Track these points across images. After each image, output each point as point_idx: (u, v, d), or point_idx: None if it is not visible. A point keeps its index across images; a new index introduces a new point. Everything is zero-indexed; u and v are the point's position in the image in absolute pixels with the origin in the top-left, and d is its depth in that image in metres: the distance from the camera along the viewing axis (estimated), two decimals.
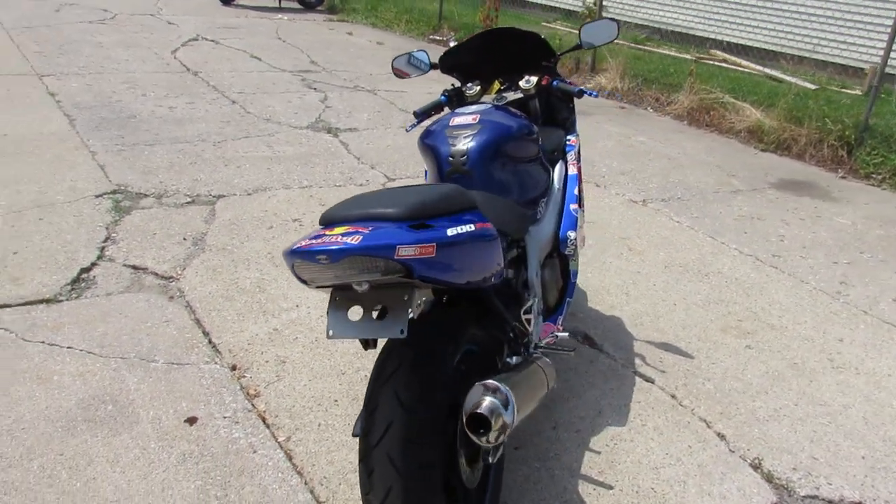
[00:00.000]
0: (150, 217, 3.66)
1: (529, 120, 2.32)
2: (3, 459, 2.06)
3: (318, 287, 1.48)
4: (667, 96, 7.03)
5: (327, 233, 1.38)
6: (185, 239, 3.47)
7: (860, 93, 7.36)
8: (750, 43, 8.97)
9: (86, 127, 4.86)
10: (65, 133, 4.71)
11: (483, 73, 2.66)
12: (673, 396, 2.60)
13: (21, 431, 2.17)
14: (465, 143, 2.12)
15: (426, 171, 2.43)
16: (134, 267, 3.18)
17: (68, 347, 2.58)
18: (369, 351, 1.66)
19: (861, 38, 8.02)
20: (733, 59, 8.68)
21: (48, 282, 2.98)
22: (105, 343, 2.63)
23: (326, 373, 2.58)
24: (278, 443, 2.23)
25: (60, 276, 3.04)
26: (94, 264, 3.16)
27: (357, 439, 1.56)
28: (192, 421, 2.28)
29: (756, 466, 2.29)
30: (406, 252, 1.34)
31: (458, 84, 2.70)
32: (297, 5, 11.48)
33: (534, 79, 2.55)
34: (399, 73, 2.80)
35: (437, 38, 9.48)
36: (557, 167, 2.51)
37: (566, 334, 2.19)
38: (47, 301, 2.85)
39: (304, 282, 1.46)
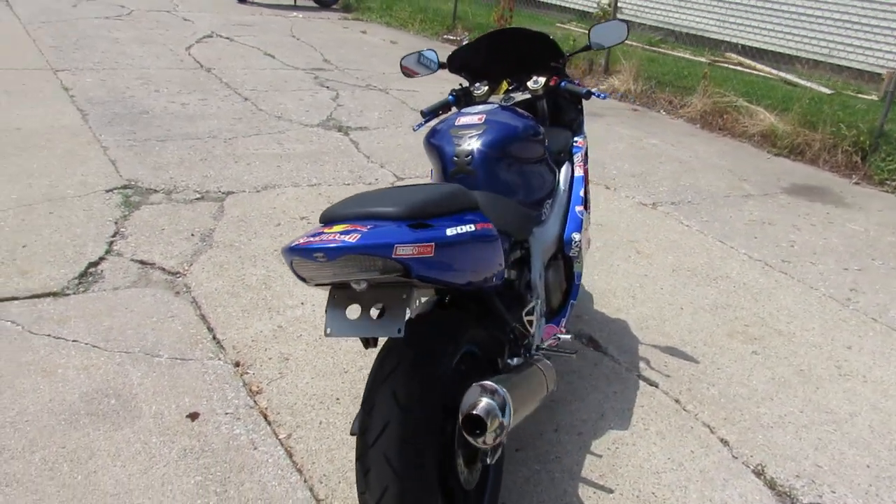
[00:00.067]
0: (159, 212, 3.68)
1: (536, 121, 2.30)
2: (6, 451, 2.08)
3: (316, 285, 1.48)
4: (680, 99, 6.99)
5: (326, 231, 1.38)
6: (192, 235, 3.48)
7: (876, 98, 7.28)
8: (765, 46, 8.91)
9: (98, 122, 4.90)
10: (77, 128, 4.75)
11: (491, 73, 2.65)
12: (677, 401, 2.58)
13: (24, 423, 2.19)
14: (469, 144, 2.12)
15: (432, 171, 2.42)
16: (141, 262, 3.20)
17: (74, 341, 2.60)
18: (372, 349, 1.66)
19: (878, 42, 7.94)
20: (748, 62, 8.62)
21: (56, 275, 3.00)
22: (110, 337, 2.65)
23: (329, 371, 2.58)
24: (279, 440, 2.23)
25: (68, 269, 3.06)
26: (101, 258, 3.18)
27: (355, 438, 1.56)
28: (193, 416, 2.29)
29: (759, 473, 2.27)
30: (404, 251, 1.34)
31: (466, 84, 2.69)
32: (312, 3, 11.51)
33: (542, 79, 2.54)
34: (407, 72, 2.80)
35: (451, 37, 9.47)
36: (564, 169, 2.50)
37: (569, 336, 2.18)
38: (54, 294, 2.87)
39: (302, 279, 1.46)
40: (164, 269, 3.16)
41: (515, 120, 2.20)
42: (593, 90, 2.48)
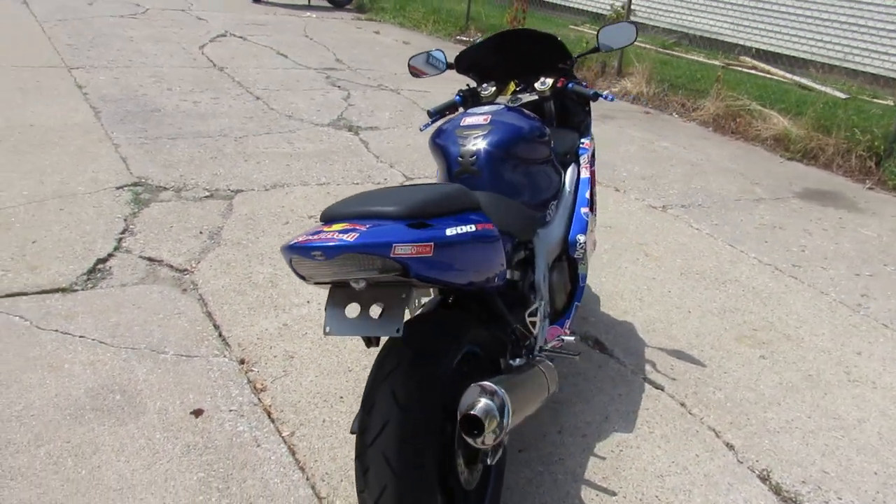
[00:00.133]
0: (168, 210, 3.70)
1: (542, 122, 2.30)
2: (12, 445, 2.09)
3: (316, 283, 1.48)
4: (693, 102, 6.95)
5: (325, 229, 1.38)
6: (201, 232, 3.50)
7: (892, 103, 7.21)
8: (779, 50, 8.84)
9: (111, 119, 4.94)
10: (90, 125, 4.79)
11: (499, 73, 2.65)
12: (682, 405, 2.56)
13: (30, 418, 2.21)
14: (474, 144, 2.12)
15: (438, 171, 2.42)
16: (149, 259, 3.22)
17: (81, 336, 2.62)
18: (374, 349, 1.66)
19: (894, 46, 7.86)
20: (762, 66, 8.56)
21: (65, 271, 3.02)
22: (117, 333, 2.66)
23: (333, 369, 2.59)
24: (282, 437, 2.24)
25: (77, 265, 3.08)
26: (110, 255, 3.20)
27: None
28: (198, 413, 2.30)
29: (764, 478, 2.25)
30: (402, 250, 1.34)
31: (473, 84, 2.69)
32: (326, 3, 11.55)
33: (549, 81, 2.53)
34: (415, 72, 2.80)
35: (464, 38, 9.47)
36: (569, 170, 2.49)
37: (572, 338, 2.17)
38: (63, 290, 2.90)
39: (302, 277, 1.46)
40: (171, 267, 3.17)
41: (521, 121, 2.19)
42: (600, 92, 2.47)
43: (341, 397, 2.44)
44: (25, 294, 2.84)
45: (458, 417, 1.52)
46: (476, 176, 2.10)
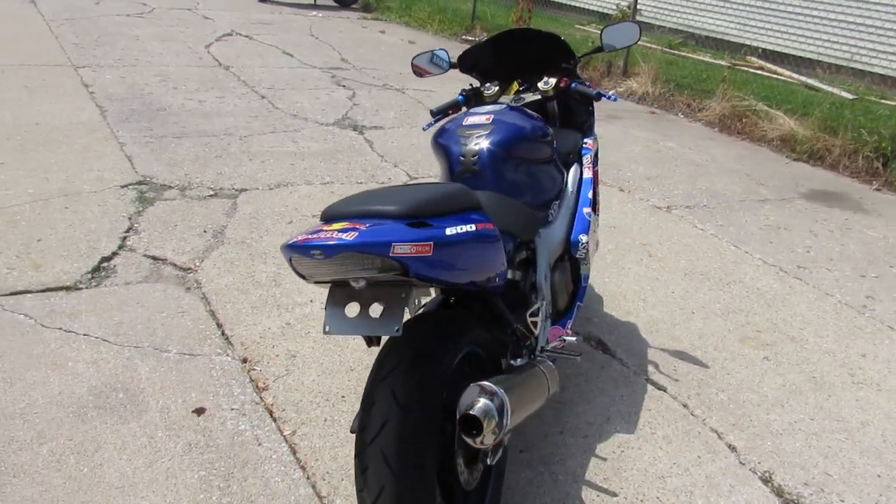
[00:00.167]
0: (172, 209, 3.71)
1: (545, 122, 2.29)
2: (15, 442, 2.10)
3: (316, 282, 1.48)
4: (699, 102, 6.93)
5: (325, 228, 1.38)
6: (205, 231, 3.51)
7: None
8: (786, 50, 8.81)
9: (116, 118, 4.95)
10: (95, 124, 4.80)
11: (502, 73, 2.65)
12: (685, 406, 2.56)
13: (33, 415, 2.21)
14: (476, 143, 2.11)
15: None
16: (153, 257, 3.23)
17: (84, 335, 2.63)
18: (375, 348, 1.66)
19: None
20: (769, 66, 8.52)
21: (69, 269, 3.03)
22: (120, 331, 2.67)
23: (336, 368, 2.59)
24: (283, 436, 2.24)
25: (81, 264, 3.09)
26: (114, 253, 3.21)
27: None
28: (199, 411, 2.30)
29: (766, 480, 2.24)
30: (402, 250, 1.33)
31: (477, 84, 2.69)
32: (332, 3, 11.56)
33: (552, 80, 2.53)
34: (419, 71, 2.80)
35: (470, 38, 9.46)
36: (572, 170, 2.49)
37: (574, 338, 2.17)
38: (67, 288, 2.91)
39: (302, 276, 1.46)
40: (175, 265, 3.18)
41: (523, 120, 2.19)
42: (604, 91, 2.46)
43: (343, 396, 2.44)
44: (30, 292, 2.85)
45: (457, 417, 1.52)
46: (478, 175, 2.09)
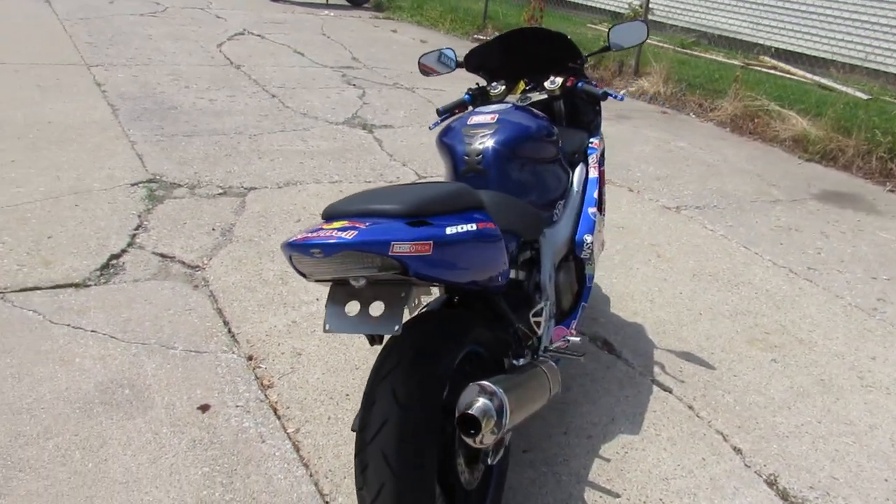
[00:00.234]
0: (181, 207, 3.73)
1: (551, 121, 2.29)
2: (21, 437, 2.12)
3: (317, 281, 1.49)
4: (710, 102, 6.89)
5: (325, 227, 1.38)
6: (213, 229, 3.53)
7: None
8: (799, 49, 8.74)
9: (128, 117, 4.99)
10: (107, 122, 4.84)
11: (509, 72, 2.64)
12: (690, 407, 2.54)
13: (40, 410, 2.24)
14: (481, 143, 2.11)
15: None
16: (162, 255, 3.25)
17: (92, 331, 2.65)
18: (378, 346, 1.66)
19: None
20: (783, 66, 8.45)
21: (78, 266, 3.06)
22: (128, 328, 2.69)
23: (340, 367, 2.60)
24: (287, 434, 2.25)
25: (91, 261, 3.12)
26: (123, 251, 3.23)
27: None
28: (204, 408, 2.32)
29: (771, 483, 2.22)
30: (401, 249, 1.33)
31: (484, 83, 2.68)
32: (344, 2, 11.59)
33: (559, 80, 2.52)
34: (426, 70, 2.80)
35: (482, 37, 9.45)
36: (578, 170, 2.48)
37: (578, 339, 2.16)
38: (76, 285, 2.93)
39: (303, 275, 1.46)
40: (183, 263, 3.20)
41: (528, 120, 2.18)
42: (610, 91, 2.45)
43: (347, 395, 2.45)
44: (39, 288, 2.88)
45: (456, 416, 1.52)
46: (482, 175, 2.09)
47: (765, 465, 2.29)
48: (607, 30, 2.65)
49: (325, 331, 1.50)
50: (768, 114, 6.34)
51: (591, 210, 2.39)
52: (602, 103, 2.64)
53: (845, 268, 3.80)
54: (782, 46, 8.92)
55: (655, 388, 2.63)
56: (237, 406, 2.34)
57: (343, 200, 1.54)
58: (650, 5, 7.98)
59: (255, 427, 2.26)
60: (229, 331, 2.75)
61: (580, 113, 2.68)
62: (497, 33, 9.52)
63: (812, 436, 2.46)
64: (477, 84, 2.67)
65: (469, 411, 1.48)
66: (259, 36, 8.35)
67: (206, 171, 4.21)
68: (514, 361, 1.91)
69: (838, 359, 2.94)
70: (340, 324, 1.50)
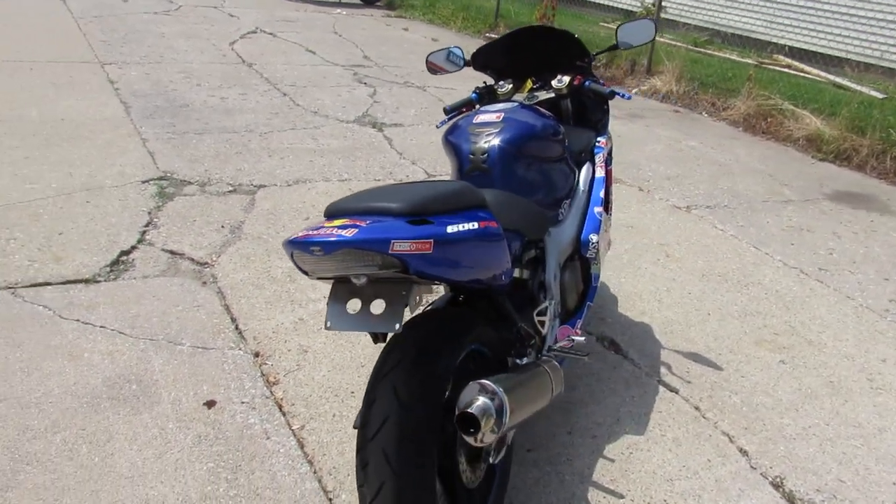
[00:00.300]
0: (191, 204, 3.75)
1: (557, 120, 2.28)
2: (29, 431, 2.14)
3: (319, 278, 1.49)
4: (723, 101, 6.84)
5: (326, 225, 1.39)
6: (223, 227, 3.55)
7: None
8: (813, 48, 8.66)
9: (140, 114, 5.02)
10: (119, 119, 4.88)
11: (516, 71, 2.64)
12: (696, 408, 2.53)
13: (48, 405, 2.26)
14: (486, 141, 2.11)
15: None
16: (171, 252, 3.27)
17: (101, 326, 2.67)
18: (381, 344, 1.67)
19: None
20: (798, 64, 8.38)
21: (89, 262, 3.09)
22: (136, 324, 2.71)
23: (346, 364, 2.60)
24: (292, 430, 2.26)
25: (101, 257, 3.14)
26: (133, 247, 3.26)
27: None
28: (210, 404, 2.33)
29: (777, 485, 2.21)
30: (401, 247, 1.34)
31: (491, 82, 2.68)
32: (356, 0, 11.61)
33: (566, 78, 2.51)
34: (433, 68, 2.80)
35: (493, 35, 9.43)
36: (584, 169, 2.47)
37: (583, 338, 2.15)
38: (86, 281, 2.96)
39: (305, 272, 1.47)
40: (192, 260, 3.22)
41: (534, 118, 2.18)
42: (617, 90, 2.45)
43: (353, 392, 2.46)
44: (50, 284, 2.91)
45: (455, 415, 1.52)
46: (487, 173, 2.09)
47: (771, 467, 2.28)
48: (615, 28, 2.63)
49: (326, 328, 1.50)
50: (782, 113, 6.30)
51: (598, 209, 2.38)
52: (613, 102, 2.63)
53: (857, 269, 3.76)
54: (797, 45, 8.85)
55: (662, 389, 2.62)
56: (243, 402, 2.36)
57: (345, 198, 1.54)
58: (663, 3, 7.94)
59: (260, 423, 2.27)
60: (236, 327, 2.77)
61: (588, 112, 2.67)
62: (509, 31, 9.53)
63: (820, 438, 2.44)
64: (484, 82, 2.66)
65: (468, 410, 1.48)
66: (271, 34, 8.38)
67: (217, 169, 4.23)
68: (518, 361, 1.91)
69: (848, 360, 2.91)
70: (341, 321, 1.51)
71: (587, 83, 2.48)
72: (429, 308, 1.86)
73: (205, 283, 3.05)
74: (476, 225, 1.52)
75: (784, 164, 5.50)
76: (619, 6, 11.27)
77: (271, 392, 2.42)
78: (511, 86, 2.59)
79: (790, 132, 6.10)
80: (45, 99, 5.12)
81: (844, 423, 2.53)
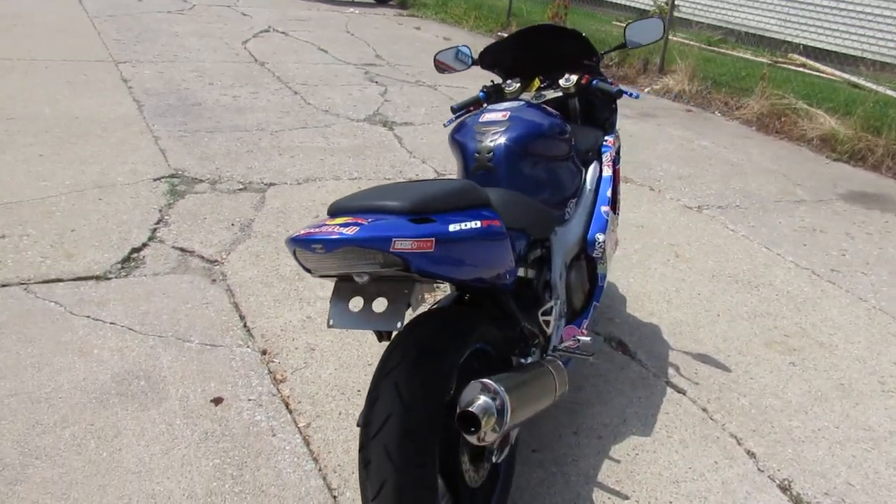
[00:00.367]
0: (202, 202, 3.78)
1: (563, 119, 2.27)
2: (39, 426, 2.16)
3: (321, 276, 1.50)
4: (736, 100, 6.79)
5: (328, 222, 1.39)
6: (233, 224, 3.56)
7: None
8: (828, 47, 8.58)
9: (152, 112, 5.06)
10: (132, 118, 4.92)
11: (524, 70, 2.63)
12: (704, 410, 2.51)
13: (58, 400, 2.28)
14: (492, 140, 2.11)
15: None
16: (182, 249, 3.29)
17: (111, 323, 2.69)
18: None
19: None
20: (813, 63, 8.31)
21: (100, 259, 3.11)
22: (146, 321, 2.73)
23: (353, 363, 2.61)
24: (298, 428, 2.26)
25: (112, 254, 3.17)
26: (144, 245, 3.28)
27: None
28: (217, 401, 2.34)
29: (785, 488, 2.19)
30: (402, 245, 1.34)
31: (499, 80, 2.68)
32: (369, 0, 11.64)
33: (574, 77, 2.51)
34: (441, 67, 2.80)
35: (505, 34, 9.42)
36: (591, 168, 2.46)
37: (588, 338, 2.14)
38: (97, 278, 2.98)
39: (308, 270, 1.47)
40: (202, 257, 3.24)
41: (540, 117, 2.17)
42: (625, 89, 2.43)
43: (359, 390, 2.46)
44: (61, 280, 2.93)
45: (456, 413, 1.52)
46: (492, 172, 2.09)
47: (779, 470, 2.26)
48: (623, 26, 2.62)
49: (328, 326, 1.51)
50: (795, 112, 6.24)
51: (604, 209, 2.37)
52: (625, 101, 2.61)
53: (870, 270, 3.72)
54: (811, 44, 8.77)
55: (669, 390, 2.61)
56: (250, 399, 2.37)
57: (348, 197, 1.55)
58: (676, 2, 7.89)
59: (266, 421, 2.28)
60: (245, 325, 2.78)
61: (595, 111, 2.67)
62: None
63: (829, 441, 2.42)
64: (492, 81, 2.66)
65: (469, 409, 1.48)
66: (283, 33, 8.41)
67: (228, 167, 4.25)
68: (522, 360, 1.90)
69: (859, 363, 2.88)
70: (344, 319, 1.51)
71: (595, 82, 2.48)
72: (433, 307, 1.86)
73: (214, 280, 3.07)
74: (478, 224, 1.52)
75: (797, 163, 5.45)
76: (633, 4, 11.22)
77: (278, 390, 2.43)
78: (519, 84, 2.58)
79: (804, 132, 6.05)
80: (59, 97, 5.17)
81: (854, 426, 2.50)
